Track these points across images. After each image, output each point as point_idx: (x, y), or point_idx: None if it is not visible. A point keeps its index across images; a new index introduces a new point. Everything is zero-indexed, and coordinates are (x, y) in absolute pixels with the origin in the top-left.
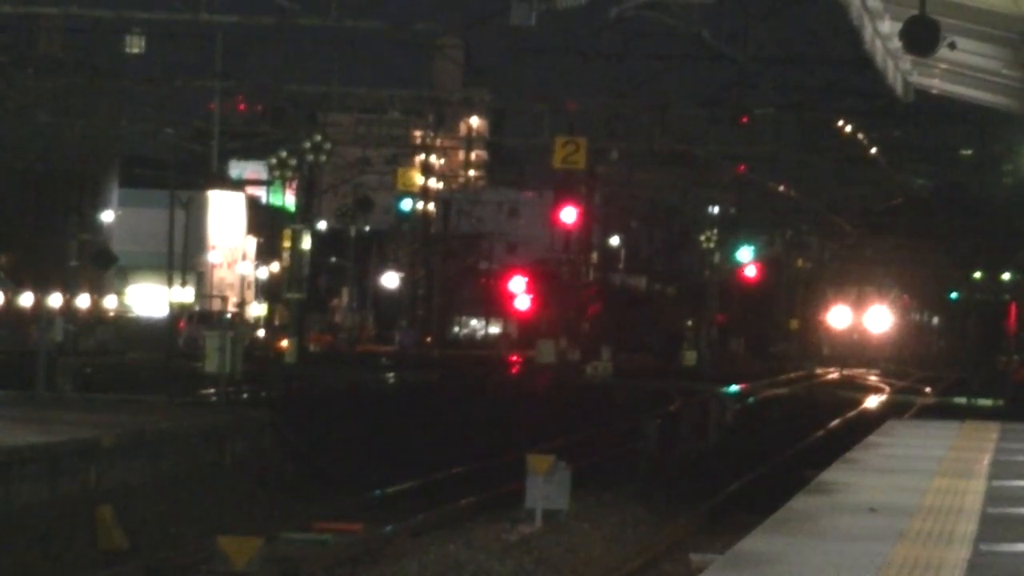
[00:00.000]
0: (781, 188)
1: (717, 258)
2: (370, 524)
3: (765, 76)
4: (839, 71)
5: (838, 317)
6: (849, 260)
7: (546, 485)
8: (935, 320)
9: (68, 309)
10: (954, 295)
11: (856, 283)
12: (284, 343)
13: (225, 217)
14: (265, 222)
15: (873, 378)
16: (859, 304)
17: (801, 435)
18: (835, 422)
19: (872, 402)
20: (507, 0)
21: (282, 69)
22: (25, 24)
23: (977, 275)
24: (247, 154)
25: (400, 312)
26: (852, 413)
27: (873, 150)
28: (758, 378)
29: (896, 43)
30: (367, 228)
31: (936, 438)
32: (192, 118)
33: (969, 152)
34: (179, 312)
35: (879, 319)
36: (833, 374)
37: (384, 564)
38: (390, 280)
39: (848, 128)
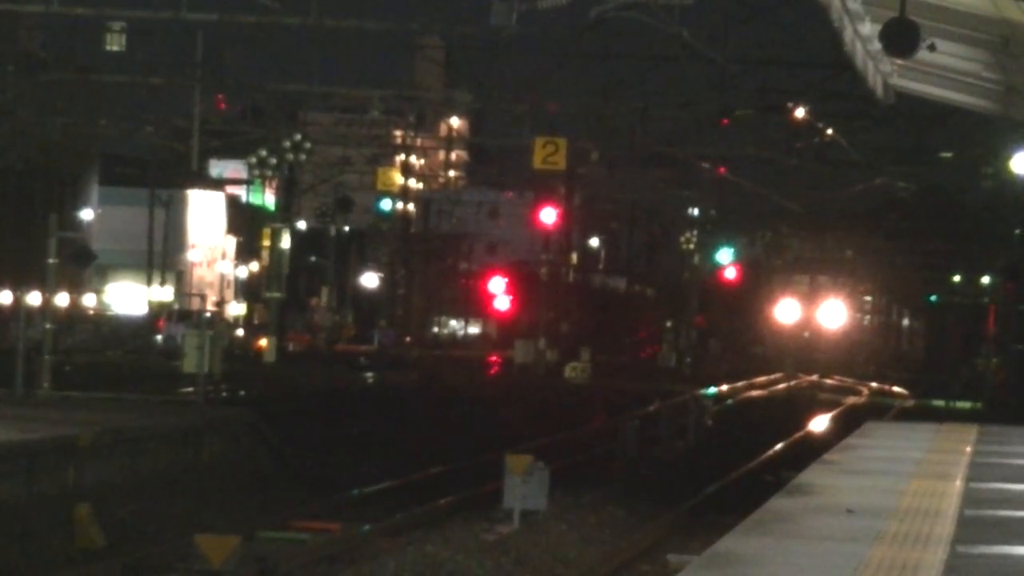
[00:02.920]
0: (762, 190)
1: (697, 259)
2: (348, 523)
3: (746, 78)
4: (820, 73)
5: (785, 312)
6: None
7: (524, 485)
8: (906, 321)
9: (47, 307)
10: (933, 298)
11: (808, 272)
12: (263, 342)
13: (205, 216)
14: (245, 221)
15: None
16: (811, 297)
17: (779, 436)
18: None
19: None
20: (488, 0)
21: (263, 68)
22: (5, 22)
23: (956, 278)
24: (227, 153)
25: (379, 312)
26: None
27: (853, 152)
28: (736, 379)
29: (876, 45)
30: (347, 228)
31: (914, 440)
32: (172, 116)
33: (949, 155)
34: (158, 311)
35: (833, 315)
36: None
37: (361, 563)
38: (370, 280)
39: (828, 130)
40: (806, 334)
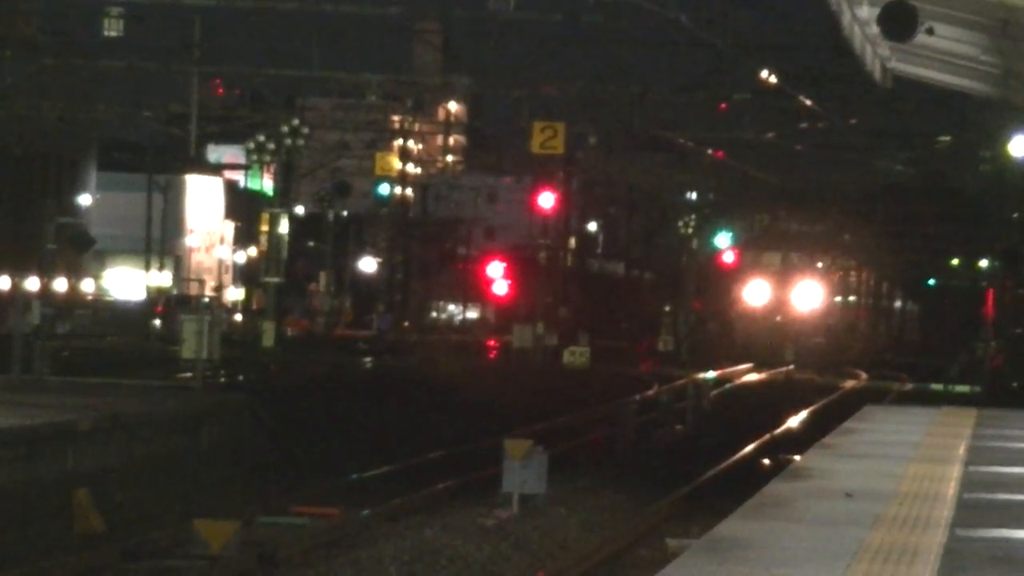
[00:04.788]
0: (760, 174)
1: (695, 244)
2: (347, 508)
3: (744, 62)
4: (818, 57)
5: (755, 294)
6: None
7: (523, 470)
8: (897, 304)
9: (45, 292)
10: (931, 281)
11: (780, 248)
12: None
13: (203, 201)
14: (243, 206)
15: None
16: (784, 277)
17: (777, 420)
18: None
19: None
20: None
21: (260, 53)
22: (3, 6)
23: (955, 262)
24: (225, 138)
25: (378, 297)
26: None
27: (851, 136)
28: (734, 364)
29: (874, 29)
30: (345, 213)
31: (913, 424)
32: (170, 102)
33: (947, 139)
34: (156, 296)
35: (808, 296)
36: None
37: (360, 548)
38: (368, 265)
39: (826, 114)
40: (778, 318)
